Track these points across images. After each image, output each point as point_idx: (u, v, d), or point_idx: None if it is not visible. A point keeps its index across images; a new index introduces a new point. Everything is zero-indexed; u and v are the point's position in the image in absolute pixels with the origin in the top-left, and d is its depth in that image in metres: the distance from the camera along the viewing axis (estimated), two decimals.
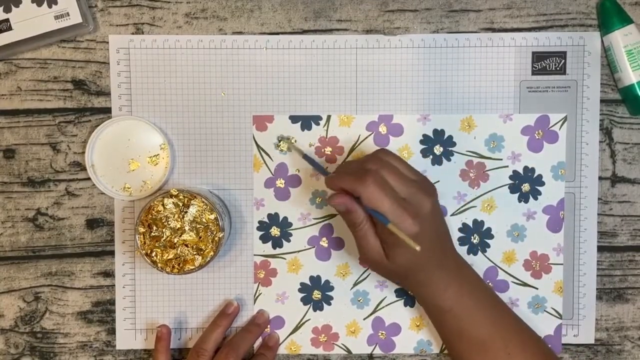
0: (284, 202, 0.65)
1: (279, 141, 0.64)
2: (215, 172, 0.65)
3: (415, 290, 0.60)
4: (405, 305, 0.66)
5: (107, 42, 0.64)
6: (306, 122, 0.65)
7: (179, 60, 0.64)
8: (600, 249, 0.66)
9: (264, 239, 0.66)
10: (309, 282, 0.66)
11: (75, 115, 0.65)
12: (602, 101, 0.66)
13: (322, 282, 0.66)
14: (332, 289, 0.66)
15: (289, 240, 0.66)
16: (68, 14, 0.62)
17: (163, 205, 0.59)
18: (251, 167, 0.65)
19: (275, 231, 0.66)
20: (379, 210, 0.52)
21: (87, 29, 0.63)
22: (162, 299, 0.66)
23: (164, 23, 0.65)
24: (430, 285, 0.58)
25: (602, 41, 0.65)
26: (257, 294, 0.66)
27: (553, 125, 0.65)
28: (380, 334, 0.66)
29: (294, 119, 0.65)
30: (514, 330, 0.59)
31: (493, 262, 0.66)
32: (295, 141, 0.64)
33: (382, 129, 0.65)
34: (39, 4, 0.62)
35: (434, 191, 0.57)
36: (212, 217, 0.60)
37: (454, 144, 0.65)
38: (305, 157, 0.63)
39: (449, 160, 0.65)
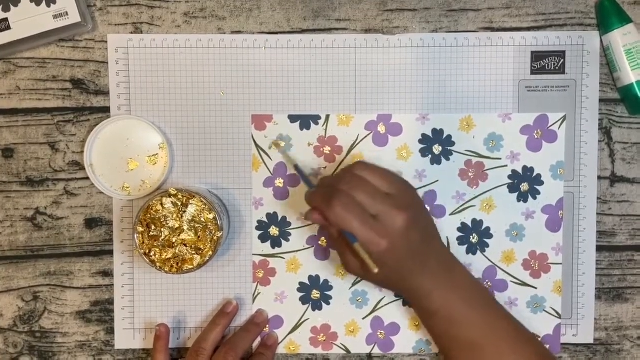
0: (283, 202, 0.65)
1: (270, 146, 0.65)
2: (214, 171, 0.65)
3: (403, 294, 0.61)
4: (404, 304, 0.66)
5: (106, 42, 0.64)
6: (305, 121, 0.65)
7: (177, 59, 0.64)
8: (600, 248, 0.66)
9: (263, 238, 0.66)
10: (307, 282, 0.66)
11: (74, 115, 0.65)
12: (601, 101, 0.66)
13: (321, 281, 0.66)
14: (331, 288, 0.66)
15: (287, 240, 0.66)
16: (67, 13, 0.62)
17: (162, 204, 0.59)
18: (250, 167, 0.65)
19: (274, 231, 0.66)
20: (347, 230, 0.54)
21: (86, 28, 0.63)
22: (160, 299, 0.65)
23: (162, 22, 0.65)
24: (413, 290, 0.58)
25: (601, 40, 0.65)
26: (256, 294, 0.66)
27: (552, 125, 0.65)
28: (379, 333, 0.66)
29: (292, 118, 0.65)
30: (507, 331, 0.59)
31: (492, 262, 0.66)
32: (283, 144, 0.64)
33: (381, 129, 0.65)
34: (38, 3, 0.62)
35: (410, 203, 0.56)
36: (211, 216, 0.60)
37: (453, 144, 0.65)
38: (296, 167, 0.63)
39: (448, 159, 0.65)
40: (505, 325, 0.59)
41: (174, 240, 0.60)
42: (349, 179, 0.56)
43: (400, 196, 0.56)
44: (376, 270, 0.53)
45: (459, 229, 0.66)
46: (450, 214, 0.66)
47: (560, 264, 0.66)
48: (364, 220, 0.54)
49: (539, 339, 0.66)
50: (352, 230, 0.54)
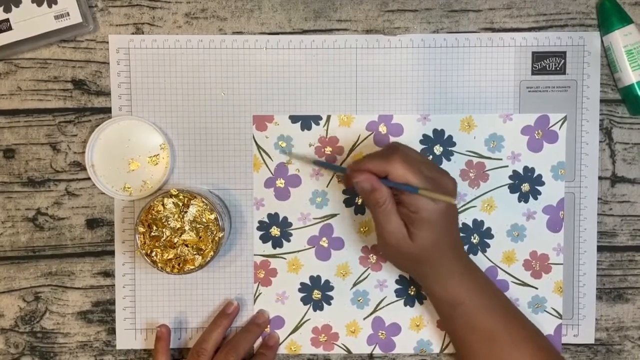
0: (284, 202, 0.65)
1: (282, 152, 0.65)
2: (215, 172, 0.65)
3: (428, 280, 0.59)
4: (405, 305, 0.66)
5: (107, 42, 0.64)
6: (306, 122, 0.65)
7: (179, 60, 0.65)
8: (600, 248, 0.66)
9: (264, 238, 0.66)
10: (309, 282, 0.66)
11: (75, 115, 0.65)
12: (602, 101, 0.66)
13: (322, 282, 0.66)
14: (332, 288, 0.66)
15: (289, 240, 0.66)
16: (68, 14, 0.62)
17: (163, 205, 0.59)
18: (251, 167, 0.65)
19: (275, 231, 0.66)
20: (409, 182, 0.54)
21: (87, 28, 0.63)
22: (162, 299, 0.66)
23: (164, 23, 0.65)
24: (444, 274, 0.58)
25: (602, 41, 0.65)
26: (257, 294, 0.66)
27: (553, 125, 0.65)
28: (380, 333, 0.66)
29: (293, 118, 0.65)
30: (520, 324, 0.60)
31: (493, 262, 0.66)
32: (293, 147, 0.65)
33: (382, 129, 0.65)
34: (39, 4, 0.62)
35: (451, 176, 0.58)
36: (212, 217, 0.60)
37: (454, 144, 0.65)
38: (316, 162, 0.63)
39: (448, 160, 0.65)
40: (519, 319, 0.61)
41: (175, 241, 0.60)
42: (394, 149, 0.56)
43: (441, 168, 0.58)
44: (454, 201, 0.53)
45: (460, 229, 0.66)
46: None
47: (561, 264, 0.66)
48: (424, 174, 0.54)
49: None
50: (414, 182, 0.53)
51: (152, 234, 0.60)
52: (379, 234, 0.57)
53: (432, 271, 0.58)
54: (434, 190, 0.54)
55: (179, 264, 0.60)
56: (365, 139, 0.65)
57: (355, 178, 0.55)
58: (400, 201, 0.56)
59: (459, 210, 0.66)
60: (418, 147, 0.65)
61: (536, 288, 0.66)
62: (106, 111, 0.65)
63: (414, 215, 0.55)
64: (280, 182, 0.65)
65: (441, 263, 0.57)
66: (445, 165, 0.65)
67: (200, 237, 0.60)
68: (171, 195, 0.59)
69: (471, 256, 0.66)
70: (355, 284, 0.66)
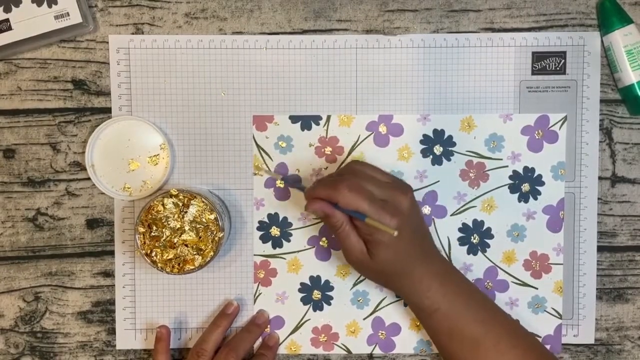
0: (284, 202, 0.65)
1: (255, 166, 0.65)
2: (215, 172, 0.65)
3: (401, 291, 0.60)
4: (405, 305, 0.66)
5: (107, 42, 0.64)
6: (306, 122, 0.65)
7: (179, 60, 0.64)
8: (600, 249, 0.66)
9: (264, 239, 0.66)
10: (309, 282, 0.66)
11: (75, 115, 0.65)
12: (602, 101, 0.66)
13: (322, 282, 0.66)
14: (332, 289, 0.66)
15: (289, 240, 0.66)
16: (68, 14, 0.62)
17: (163, 205, 0.59)
18: (251, 167, 0.65)
19: (275, 231, 0.66)
20: (357, 209, 0.55)
21: (87, 29, 0.63)
22: (162, 299, 0.66)
23: (163, 23, 0.65)
24: (414, 283, 0.58)
25: (602, 41, 0.65)
26: (257, 294, 0.66)
27: (553, 125, 0.65)
28: (380, 333, 0.66)
29: (294, 119, 0.65)
30: (505, 328, 0.59)
31: (493, 262, 0.66)
32: (266, 166, 0.65)
33: (382, 129, 0.65)
34: (39, 4, 0.62)
35: (409, 189, 0.58)
36: (212, 217, 0.60)
37: (454, 144, 0.65)
38: (284, 179, 0.64)
39: (449, 160, 0.65)
40: (504, 323, 0.60)
41: (175, 241, 0.60)
42: (349, 170, 0.58)
43: (399, 183, 0.59)
44: (396, 233, 0.53)
45: (460, 230, 0.66)
46: (451, 215, 0.66)
47: (561, 264, 0.66)
48: (374, 200, 0.55)
49: (540, 339, 0.66)
50: (362, 209, 0.54)
51: (152, 234, 0.60)
52: (343, 253, 0.59)
53: (401, 282, 0.59)
54: (382, 216, 0.54)
55: (179, 264, 0.60)
56: (365, 139, 0.65)
57: (310, 206, 0.56)
58: (355, 224, 0.57)
59: (459, 210, 0.66)
60: (418, 147, 0.65)
61: (536, 288, 0.66)
62: (106, 111, 0.65)
63: (368, 237, 0.56)
64: (280, 182, 0.65)
65: (409, 274, 0.58)
66: (445, 165, 0.65)
67: (200, 237, 0.60)
68: (171, 195, 0.59)
69: (471, 256, 0.66)
70: (355, 284, 0.66)
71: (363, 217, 0.54)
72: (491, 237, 0.66)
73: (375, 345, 0.66)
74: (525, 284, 0.66)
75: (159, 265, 0.60)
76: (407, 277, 0.58)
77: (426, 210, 0.66)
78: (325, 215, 0.56)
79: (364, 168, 0.58)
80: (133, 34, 0.64)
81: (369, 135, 0.65)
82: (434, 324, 0.59)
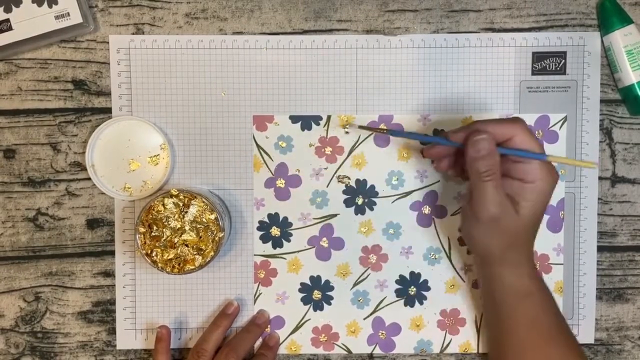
0: (284, 202, 0.65)
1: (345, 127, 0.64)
2: (215, 172, 0.65)
3: (503, 266, 0.57)
4: (405, 305, 0.66)
5: (108, 42, 0.64)
6: (306, 122, 0.65)
7: (179, 60, 0.65)
8: (600, 249, 0.66)
9: (264, 239, 0.66)
10: (309, 282, 0.66)
11: (75, 115, 0.65)
12: (602, 101, 0.66)
13: (322, 282, 0.66)
14: (332, 289, 0.66)
15: (289, 240, 0.66)
16: (68, 14, 0.62)
17: (163, 205, 0.59)
18: (251, 167, 0.65)
19: (275, 231, 0.66)
20: (533, 149, 0.53)
21: (88, 29, 0.63)
22: (162, 299, 0.66)
23: (164, 23, 0.65)
24: (522, 261, 0.56)
25: (602, 41, 0.65)
26: (257, 294, 0.66)
27: (553, 125, 0.65)
28: (380, 333, 0.66)
29: (294, 119, 0.65)
30: (569, 326, 0.60)
31: None
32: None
33: None
34: (40, 4, 0.62)
35: None
36: (213, 217, 0.60)
37: (455, 144, 0.65)
38: (393, 133, 0.61)
39: None
40: (565, 320, 0.60)
41: (175, 241, 0.60)
42: (516, 117, 0.56)
43: None
44: (596, 165, 0.52)
45: (460, 230, 0.66)
46: (451, 215, 0.66)
47: (561, 264, 0.66)
48: (540, 145, 0.54)
49: None
50: (538, 149, 0.53)
51: (153, 234, 0.60)
52: (479, 208, 0.54)
53: (516, 255, 0.56)
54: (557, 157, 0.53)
55: (179, 264, 0.60)
56: (365, 139, 0.65)
57: (476, 136, 0.52)
58: (510, 172, 0.54)
59: (459, 211, 0.66)
60: (418, 147, 0.65)
61: None
62: (106, 111, 0.65)
63: (528, 185, 0.53)
64: (280, 182, 0.65)
65: (525, 247, 0.56)
66: None
67: (200, 237, 0.60)
68: (171, 196, 0.59)
69: (472, 256, 0.66)
70: (355, 284, 0.66)
71: (543, 157, 0.52)
72: None
73: (376, 345, 0.66)
74: None
75: (159, 265, 0.60)
76: (526, 249, 0.56)
77: (426, 210, 0.66)
78: (488, 153, 0.52)
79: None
80: (133, 34, 0.64)
81: (370, 135, 0.65)
82: (521, 309, 0.57)
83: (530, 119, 0.65)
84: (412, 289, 0.66)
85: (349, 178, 0.65)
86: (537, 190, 0.54)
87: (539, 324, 0.57)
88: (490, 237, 0.56)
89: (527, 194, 0.54)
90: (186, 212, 0.60)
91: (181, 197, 0.60)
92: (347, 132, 0.64)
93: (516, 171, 0.54)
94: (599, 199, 0.66)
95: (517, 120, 0.54)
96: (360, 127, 0.64)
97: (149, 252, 0.60)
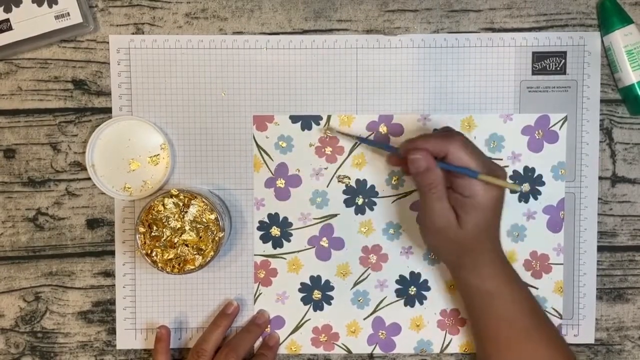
0: (284, 202, 0.65)
1: (325, 129, 0.64)
2: (215, 172, 0.65)
3: (466, 270, 0.58)
4: (405, 305, 0.66)
5: (108, 42, 0.64)
6: (306, 122, 0.65)
7: (179, 60, 0.65)
8: (601, 248, 0.66)
9: (264, 238, 0.66)
10: (309, 282, 0.66)
11: (75, 115, 0.65)
12: (602, 101, 0.66)
13: (323, 282, 0.66)
14: (332, 289, 0.66)
15: (289, 240, 0.66)
16: (68, 14, 0.62)
17: (163, 205, 0.59)
18: (251, 167, 0.65)
19: (275, 231, 0.66)
20: (468, 165, 0.53)
21: (88, 29, 0.63)
22: (162, 299, 0.66)
23: (164, 23, 0.65)
24: (485, 263, 0.57)
25: (602, 41, 0.65)
26: (257, 294, 0.66)
27: (553, 125, 0.65)
28: (380, 333, 0.66)
29: (294, 118, 0.65)
30: (550, 324, 0.60)
31: None
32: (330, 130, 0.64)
33: (383, 129, 0.65)
34: (40, 4, 0.62)
35: (504, 169, 0.57)
36: (213, 217, 0.60)
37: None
38: (360, 139, 0.63)
39: None
40: (548, 317, 0.61)
41: (175, 241, 0.60)
42: (454, 131, 0.56)
43: (495, 162, 0.57)
44: (522, 188, 0.52)
45: None
46: None
47: (562, 264, 0.66)
48: (483, 160, 0.54)
49: None
50: (474, 165, 0.53)
51: (153, 234, 0.60)
52: (425, 219, 0.56)
53: (472, 260, 0.57)
54: (498, 171, 0.53)
55: (179, 264, 0.60)
56: (365, 139, 0.65)
57: (412, 154, 0.54)
58: (452, 185, 0.55)
59: None
60: None
61: (536, 288, 0.66)
62: (106, 111, 0.65)
63: (467, 200, 0.54)
64: (280, 182, 0.65)
65: (483, 252, 0.57)
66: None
67: (200, 237, 0.60)
68: (171, 195, 0.59)
69: None
70: (355, 284, 0.66)
71: (475, 174, 0.52)
72: None
73: (376, 345, 0.66)
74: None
75: (159, 265, 0.60)
76: (481, 255, 0.57)
77: None
78: (426, 169, 0.53)
79: (466, 139, 0.56)
80: (133, 34, 0.64)
81: (370, 135, 0.65)
82: (491, 310, 0.58)
83: (530, 119, 0.65)
84: (412, 289, 0.66)
85: (349, 178, 0.65)
86: (475, 205, 0.54)
87: (508, 323, 0.58)
88: (441, 245, 0.58)
89: (467, 208, 0.55)
90: (186, 212, 0.60)
91: (181, 197, 0.60)
92: (327, 137, 0.64)
93: (457, 186, 0.55)
94: (599, 199, 0.66)
95: (452, 137, 0.54)
96: (338, 132, 0.64)
97: (149, 252, 0.60)
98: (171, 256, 0.60)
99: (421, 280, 0.66)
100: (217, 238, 0.60)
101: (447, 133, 0.56)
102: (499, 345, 0.59)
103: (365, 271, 0.66)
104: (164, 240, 0.60)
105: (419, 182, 0.55)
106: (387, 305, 0.66)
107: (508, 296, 0.58)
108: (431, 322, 0.66)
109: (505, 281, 0.58)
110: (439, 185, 0.54)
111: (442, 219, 0.55)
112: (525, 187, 0.51)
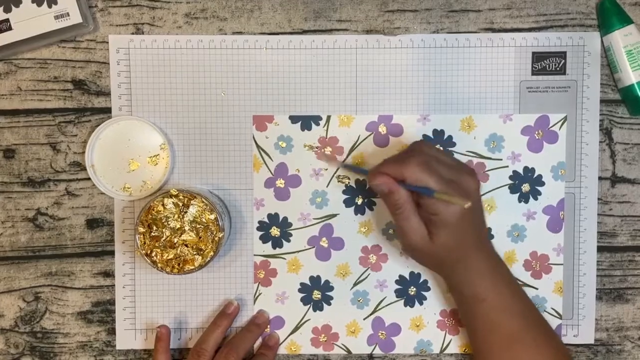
0: (284, 202, 0.65)
1: (305, 147, 0.65)
2: (215, 172, 0.65)
3: (451, 278, 0.60)
4: (405, 305, 0.66)
5: (107, 42, 0.64)
6: (306, 122, 0.65)
7: (179, 60, 0.65)
8: (600, 249, 0.66)
9: (264, 239, 0.66)
10: (308, 282, 0.66)
11: (75, 115, 0.65)
12: (602, 101, 0.66)
13: (322, 282, 0.66)
14: (332, 289, 0.66)
15: (289, 241, 0.66)
16: (68, 14, 0.62)
17: (163, 205, 0.59)
18: (251, 167, 0.65)
19: (275, 231, 0.66)
20: (425, 185, 0.53)
21: (87, 29, 0.63)
22: (162, 299, 0.66)
23: (163, 23, 0.65)
24: (467, 271, 0.58)
25: (602, 41, 0.65)
26: (257, 294, 0.66)
27: (553, 126, 0.65)
28: (380, 334, 0.66)
29: (293, 119, 0.65)
30: (542, 326, 0.60)
31: None
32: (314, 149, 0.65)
33: (382, 129, 0.65)
34: (39, 4, 0.62)
35: (474, 172, 0.57)
36: (212, 217, 0.60)
37: (454, 144, 0.65)
38: (345, 166, 0.64)
39: None
40: (541, 319, 0.61)
41: (175, 241, 0.60)
42: (416, 149, 0.56)
43: (464, 166, 0.58)
44: (468, 205, 0.51)
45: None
46: None
47: (561, 264, 0.66)
48: (442, 177, 0.54)
49: None
50: (431, 185, 0.53)
51: (152, 234, 0.60)
52: (400, 235, 0.58)
53: (454, 269, 0.58)
54: (451, 193, 0.53)
55: (179, 264, 0.60)
56: (365, 139, 0.65)
57: (372, 181, 0.55)
58: (419, 203, 0.56)
59: None
60: None
61: (536, 288, 0.66)
62: (106, 111, 0.65)
63: (433, 217, 0.55)
64: (280, 182, 0.65)
65: (464, 261, 0.57)
66: None
67: (200, 237, 0.60)
68: (171, 196, 0.59)
69: None
70: (355, 284, 0.66)
71: (431, 193, 0.53)
72: (491, 237, 0.66)
73: (375, 345, 0.66)
74: (525, 284, 0.66)
75: (159, 265, 0.60)
76: (462, 263, 0.57)
77: None
78: (388, 192, 0.55)
79: (430, 149, 0.57)
80: (133, 34, 0.64)
81: (369, 136, 0.65)
82: (477, 315, 0.59)
83: (530, 119, 0.65)
84: (412, 289, 0.66)
85: (348, 178, 0.65)
86: (440, 222, 0.55)
87: (499, 327, 0.58)
88: (419, 258, 0.60)
89: (435, 224, 0.55)
90: (186, 212, 0.60)
91: (181, 197, 0.60)
92: (314, 150, 0.65)
93: (423, 204, 0.55)
94: (598, 199, 0.66)
95: (408, 160, 0.54)
96: (326, 156, 0.65)
97: (149, 252, 0.60)
98: (171, 256, 0.60)
99: (421, 280, 0.66)
100: (216, 238, 0.60)
101: (405, 154, 0.56)
102: (491, 350, 0.59)
103: (365, 271, 0.66)
104: (164, 240, 0.60)
105: (386, 203, 0.57)
106: (386, 306, 0.66)
107: (495, 301, 0.58)
108: (431, 323, 0.66)
109: (490, 286, 0.58)
110: (403, 205, 0.55)
111: (414, 236, 0.56)
112: (469, 204, 0.51)
